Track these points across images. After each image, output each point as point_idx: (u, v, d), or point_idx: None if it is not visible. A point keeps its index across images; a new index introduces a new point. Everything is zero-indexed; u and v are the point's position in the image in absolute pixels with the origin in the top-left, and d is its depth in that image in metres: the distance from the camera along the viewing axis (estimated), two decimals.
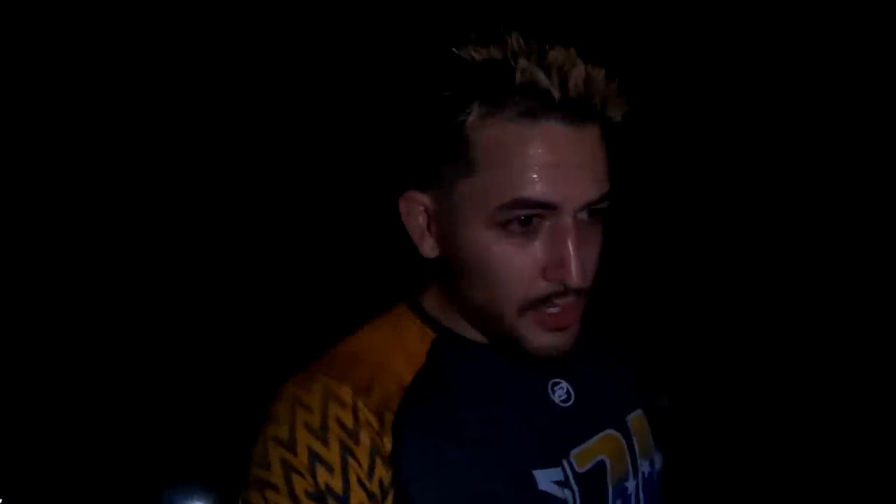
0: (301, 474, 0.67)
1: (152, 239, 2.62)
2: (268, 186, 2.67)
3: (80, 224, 2.58)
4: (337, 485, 0.67)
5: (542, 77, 0.67)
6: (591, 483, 0.77)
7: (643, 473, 0.84)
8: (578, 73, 0.67)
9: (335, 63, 2.57)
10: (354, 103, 2.50)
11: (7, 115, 2.46)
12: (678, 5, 2.59)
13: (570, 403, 0.80)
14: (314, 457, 0.67)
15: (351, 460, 0.68)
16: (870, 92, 2.57)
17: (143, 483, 2.38)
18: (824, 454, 2.44)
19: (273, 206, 2.67)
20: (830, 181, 2.66)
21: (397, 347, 0.77)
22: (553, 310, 0.72)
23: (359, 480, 0.68)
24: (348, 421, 0.69)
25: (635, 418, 0.86)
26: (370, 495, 0.68)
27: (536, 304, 0.71)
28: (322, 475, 0.67)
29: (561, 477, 0.75)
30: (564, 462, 0.76)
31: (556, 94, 0.67)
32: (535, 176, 0.68)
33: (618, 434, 0.82)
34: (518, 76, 0.67)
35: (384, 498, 0.69)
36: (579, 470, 0.77)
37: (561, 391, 0.80)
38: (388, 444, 0.70)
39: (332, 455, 0.68)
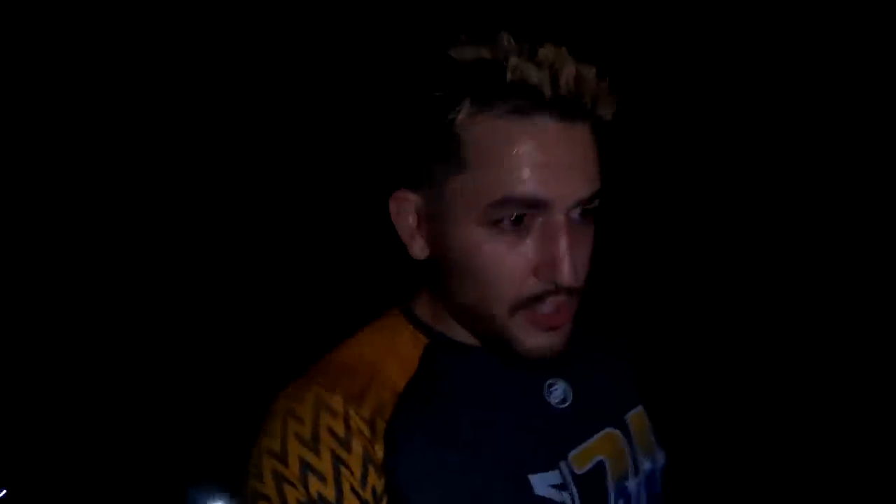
0: (293, 485, 0.67)
1: (148, 243, 2.61)
2: (260, 189, 2.66)
3: (72, 225, 2.56)
4: (330, 494, 0.67)
5: (533, 74, 0.66)
6: (591, 484, 0.77)
7: (645, 472, 0.83)
8: (569, 71, 0.67)
9: (326, 64, 2.56)
10: (344, 104, 2.50)
11: (7, 115, 2.45)
12: (668, 4, 2.59)
13: (566, 404, 0.79)
14: (306, 467, 0.67)
15: (343, 469, 0.68)
16: (863, 87, 2.58)
17: (168, 482, 2.38)
18: (821, 451, 2.45)
19: (266, 211, 2.66)
20: (823, 176, 2.67)
21: (390, 354, 0.77)
22: (545, 309, 0.71)
23: (352, 489, 0.68)
24: (340, 430, 0.69)
25: (635, 416, 0.85)
26: (363, 503, 0.68)
27: (528, 303, 0.71)
28: (314, 485, 0.67)
29: (558, 480, 0.74)
30: (562, 464, 0.75)
31: (548, 91, 0.67)
32: (526, 174, 0.68)
33: (617, 432, 0.82)
34: (509, 74, 0.67)
35: None
36: (578, 471, 0.76)
37: (557, 392, 0.79)
38: (379, 451, 0.69)
39: (324, 464, 0.68)
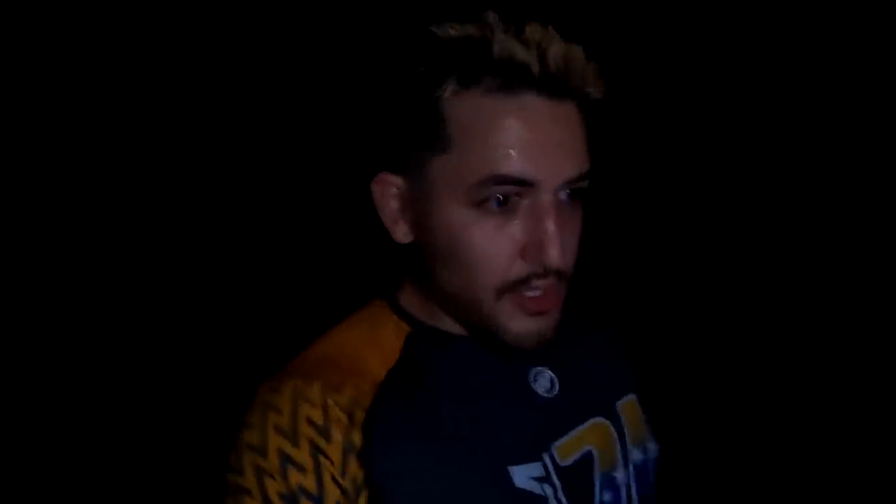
0: (273, 477, 0.67)
1: (121, 229, 2.59)
2: (240, 177, 2.63)
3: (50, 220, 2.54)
4: (310, 484, 0.67)
5: (520, 52, 0.65)
6: (576, 476, 0.75)
7: (635, 462, 0.81)
8: (557, 48, 0.66)
9: (307, 46, 2.53)
10: (326, 86, 2.48)
11: (7, 115, 2.44)
12: None
13: (553, 393, 0.77)
14: (285, 459, 0.67)
15: (323, 459, 0.67)
16: (853, 83, 2.60)
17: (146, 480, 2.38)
18: (819, 445, 2.46)
19: (246, 200, 2.64)
20: (817, 165, 2.67)
21: (372, 344, 0.76)
22: (532, 293, 0.70)
23: (332, 478, 0.67)
24: (318, 419, 0.68)
25: (626, 404, 0.83)
26: (344, 492, 0.68)
27: (515, 286, 0.69)
28: (294, 476, 0.67)
29: (540, 472, 0.73)
30: (545, 456, 0.74)
31: (535, 68, 0.65)
32: (512, 152, 0.66)
33: (607, 422, 0.80)
34: (496, 51, 0.66)
35: (358, 494, 0.68)
36: (562, 463, 0.74)
37: (544, 380, 0.78)
38: (358, 440, 0.68)
39: (303, 455, 0.67)
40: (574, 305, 0.86)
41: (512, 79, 0.66)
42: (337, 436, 0.68)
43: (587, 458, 0.77)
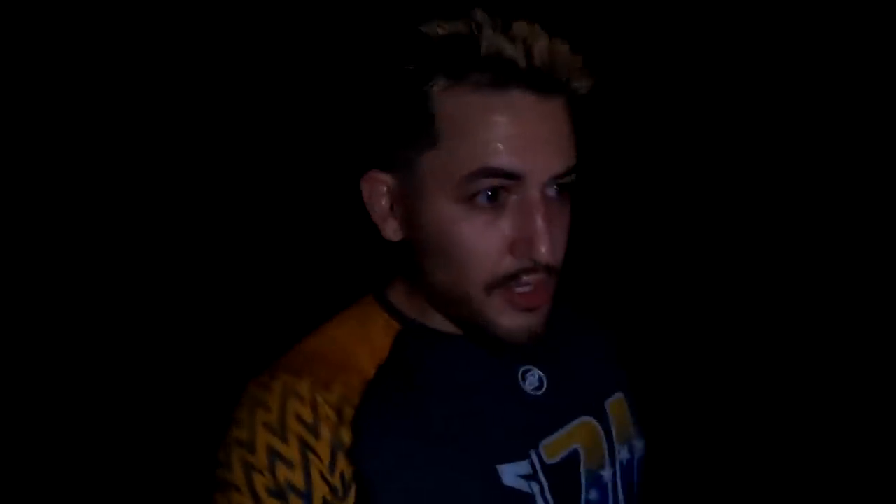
0: (261, 472, 0.67)
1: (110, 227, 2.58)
2: (233, 176, 2.62)
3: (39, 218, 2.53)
4: (298, 480, 0.67)
5: (507, 47, 0.66)
6: (563, 474, 0.76)
7: (621, 461, 0.82)
8: (543, 44, 0.67)
9: (296, 44, 2.53)
10: (314, 84, 2.48)
11: (7, 115, 2.44)
12: None
13: (541, 392, 0.78)
14: (274, 454, 0.67)
15: (311, 455, 0.68)
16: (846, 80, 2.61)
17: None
18: (810, 445, 2.46)
19: (239, 199, 2.64)
20: (806, 164, 2.68)
21: (362, 341, 0.76)
22: (522, 289, 0.70)
23: (320, 475, 0.67)
24: (307, 416, 0.68)
25: (614, 403, 0.84)
26: (332, 489, 0.68)
27: (505, 281, 0.70)
28: (282, 472, 0.67)
29: (528, 470, 0.73)
30: (532, 454, 0.74)
31: (522, 63, 0.66)
32: (501, 145, 0.67)
33: (594, 421, 0.80)
34: (483, 47, 0.66)
35: (346, 491, 0.68)
36: (549, 461, 0.75)
37: (532, 379, 0.78)
38: (347, 437, 0.69)
39: (292, 451, 0.67)
40: (567, 301, 0.87)
41: (499, 74, 0.67)
42: (325, 433, 0.68)
43: (574, 457, 0.77)
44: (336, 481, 0.68)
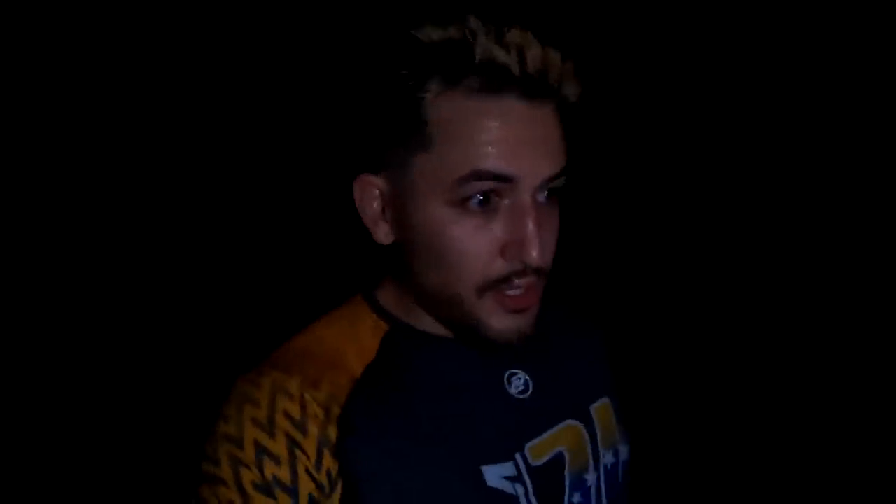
0: (248, 467, 0.68)
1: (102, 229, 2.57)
2: (227, 179, 2.62)
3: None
4: (285, 476, 0.68)
5: (500, 53, 0.67)
6: (547, 476, 0.76)
7: (605, 465, 0.83)
8: (536, 51, 0.68)
9: (290, 48, 2.53)
10: (308, 88, 2.49)
11: (7, 115, 2.43)
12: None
13: (527, 395, 0.79)
14: (261, 450, 0.68)
15: (298, 452, 0.68)
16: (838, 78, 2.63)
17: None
18: (804, 448, 2.47)
19: (233, 201, 2.63)
20: (793, 166, 2.69)
21: (351, 341, 0.77)
22: (513, 291, 0.71)
23: (307, 471, 0.68)
24: (295, 413, 0.69)
25: (600, 407, 0.84)
26: (319, 486, 0.69)
27: (496, 284, 0.71)
28: (269, 467, 0.68)
29: (512, 472, 0.74)
30: (517, 456, 0.75)
31: (515, 69, 0.67)
32: (493, 149, 0.68)
33: (579, 424, 0.81)
34: (477, 53, 0.67)
35: (333, 488, 0.69)
36: (534, 463, 0.75)
37: (518, 382, 0.79)
38: (333, 435, 0.69)
39: (279, 447, 0.68)
40: (559, 304, 0.88)
41: (493, 80, 0.68)
42: (313, 430, 0.69)
43: (558, 459, 0.78)
44: (322, 478, 0.69)
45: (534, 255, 0.69)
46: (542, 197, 0.71)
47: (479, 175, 0.68)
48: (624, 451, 0.86)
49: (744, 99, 2.70)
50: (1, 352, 2.46)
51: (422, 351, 0.76)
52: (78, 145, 2.54)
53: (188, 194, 2.61)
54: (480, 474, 0.72)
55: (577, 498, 0.79)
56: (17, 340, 2.48)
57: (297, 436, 0.68)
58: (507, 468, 0.74)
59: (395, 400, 0.72)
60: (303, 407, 0.69)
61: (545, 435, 0.78)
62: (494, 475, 0.73)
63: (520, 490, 0.74)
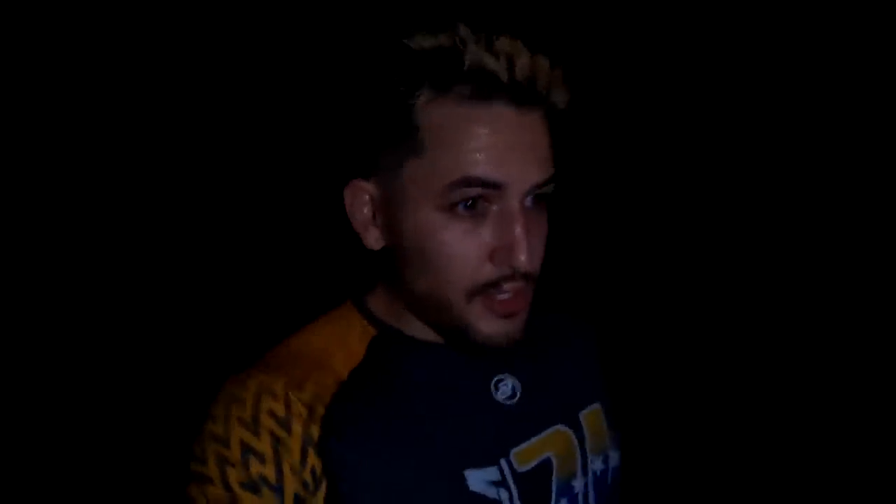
0: (234, 466, 0.69)
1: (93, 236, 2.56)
2: (224, 185, 2.62)
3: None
4: (270, 474, 0.69)
5: (490, 61, 0.68)
6: (533, 482, 0.77)
7: (594, 471, 0.83)
8: (525, 59, 0.69)
9: (281, 55, 2.54)
10: (300, 95, 2.49)
11: (7, 115, 2.44)
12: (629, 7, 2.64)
13: (514, 400, 0.79)
14: (246, 449, 0.69)
15: (282, 450, 0.69)
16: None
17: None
18: (803, 453, 2.46)
19: (229, 206, 2.63)
20: (786, 170, 2.70)
21: (339, 345, 0.78)
22: (502, 296, 0.72)
23: (291, 469, 0.69)
24: (280, 412, 0.70)
25: (590, 413, 0.85)
26: (303, 483, 0.70)
27: (484, 288, 0.72)
28: (255, 466, 0.69)
29: (496, 477, 0.74)
30: (503, 461, 0.75)
31: (504, 76, 0.68)
32: (482, 156, 0.69)
33: (568, 430, 0.81)
34: (467, 60, 0.69)
35: (317, 486, 0.70)
36: (520, 469, 0.76)
37: (505, 388, 0.79)
38: (317, 434, 0.71)
39: (264, 446, 0.69)
40: (548, 309, 0.88)
41: (482, 87, 0.69)
42: (297, 428, 0.70)
43: (546, 465, 0.78)
44: (307, 475, 0.70)
45: (522, 259, 0.70)
46: (529, 202, 0.72)
47: (468, 182, 0.69)
48: (614, 457, 0.86)
49: (732, 102, 2.70)
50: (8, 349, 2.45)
51: (408, 355, 0.77)
52: (60, 151, 2.53)
53: (181, 200, 2.61)
54: (463, 478, 0.73)
55: None
56: (14, 340, 2.47)
57: (282, 434, 0.70)
58: (491, 473, 0.74)
59: (379, 402, 0.73)
60: (287, 406, 0.71)
61: (532, 440, 0.78)
62: (477, 479, 0.73)
63: (504, 495, 0.74)
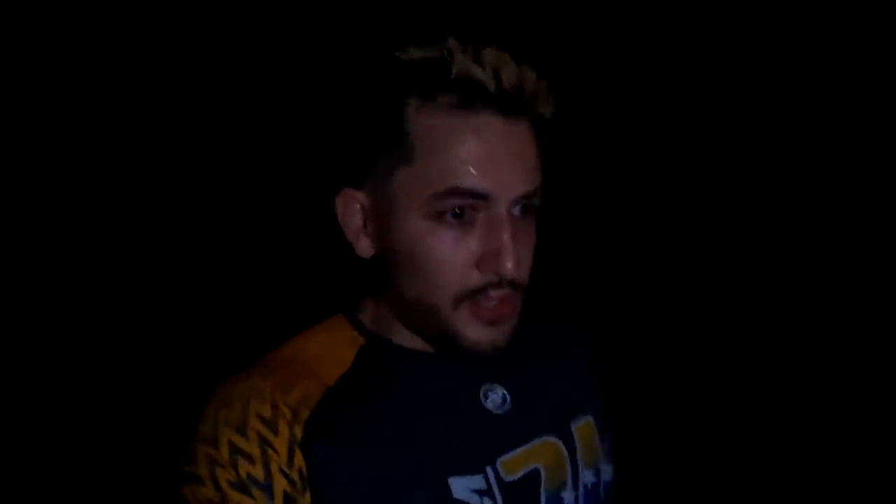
0: (223, 467, 0.70)
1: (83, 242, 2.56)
2: (218, 193, 2.62)
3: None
4: (259, 474, 0.70)
5: (477, 71, 0.70)
6: (520, 492, 0.76)
7: (585, 484, 0.82)
8: (511, 69, 0.71)
9: (272, 66, 2.56)
10: (290, 105, 2.51)
11: (7, 115, 2.46)
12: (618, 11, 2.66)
13: (503, 409, 0.79)
14: (235, 450, 0.70)
15: (270, 451, 0.71)
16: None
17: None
18: (803, 460, 2.45)
19: (221, 215, 2.64)
20: (783, 173, 2.69)
21: (328, 353, 0.79)
22: (488, 302, 0.73)
23: (279, 469, 0.71)
24: (266, 413, 0.72)
25: (583, 426, 0.84)
26: (292, 482, 0.71)
27: (472, 294, 0.73)
28: (244, 466, 0.70)
29: (481, 485, 0.74)
30: (488, 469, 0.75)
31: (491, 86, 0.70)
32: (469, 166, 0.70)
33: (558, 442, 0.81)
34: (454, 70, 0.70)
35: (306, 485, 0.71)
36: (506, 478, 0.76)
37: (495, 397, 0.80)
38: (300, 437, 0.72)
39: (252, 446, 0.71)
40: (542, 320, 0.89)
41: (469, 96, 0.71)
42: (283, 429, 0.71)
43: (534, 476, 0.78)
44: (295, 475, 0.71)
45: (508, 266, 0.71)
46: (517, 211, 0.73)
47: (455, 192, 0.71)
48: (607, 471, 0.86)
49: (722, 110, 2.70)
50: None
51: (397, 363, 0.78)
52: (53, 152, 2.54)
53: (175, 207, 2.61)
54: (447, 485, 0.73)
55: None
56: (14, 340, 2.47)
57: (269, 435, 0.71)
58: (476, 481, 0.74)
59: (365, 408, 0.74)
60: (274, 407, 0.72)
61: (519, 450, 0.78)
62: (462, 487, 0.73)
63: (488, 503, 0.74)
